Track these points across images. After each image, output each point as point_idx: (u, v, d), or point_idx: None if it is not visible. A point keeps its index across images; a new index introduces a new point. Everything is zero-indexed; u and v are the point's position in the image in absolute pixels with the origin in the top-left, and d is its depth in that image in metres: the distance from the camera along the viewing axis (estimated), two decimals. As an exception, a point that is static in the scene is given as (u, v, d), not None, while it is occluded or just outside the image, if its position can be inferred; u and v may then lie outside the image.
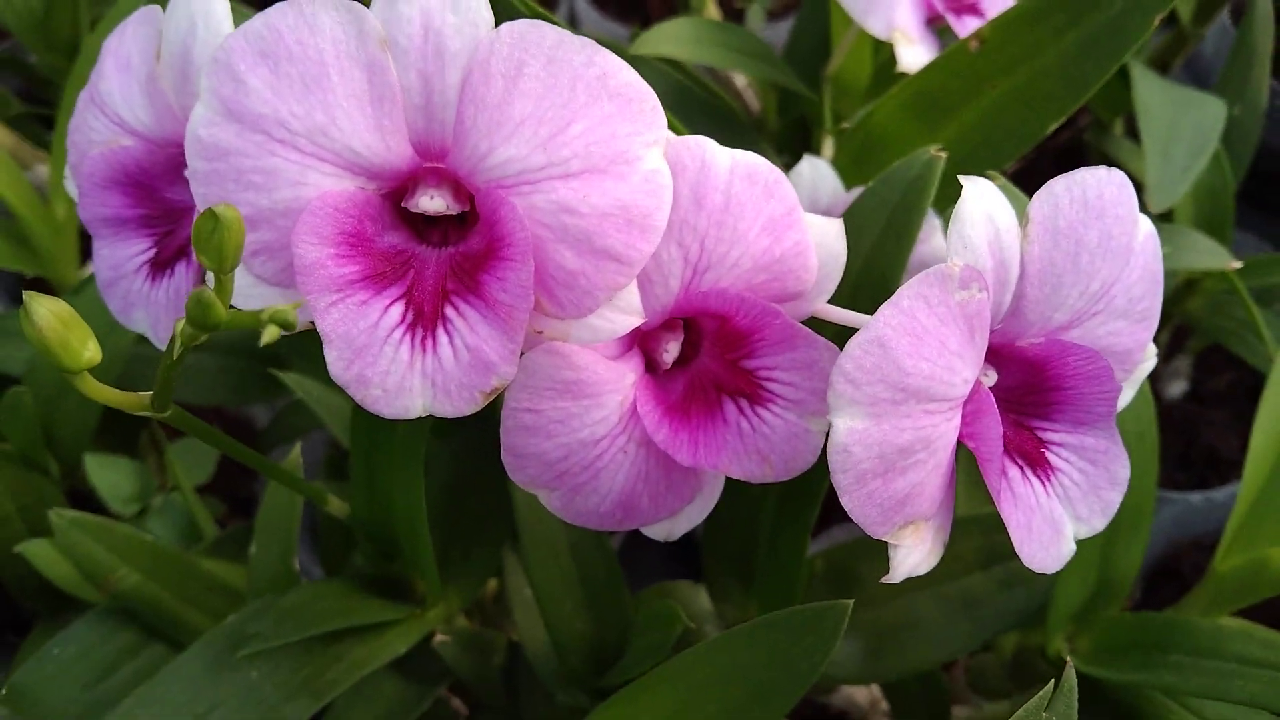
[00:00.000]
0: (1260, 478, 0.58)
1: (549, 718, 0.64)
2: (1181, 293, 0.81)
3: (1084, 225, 0.34)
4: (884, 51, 0.69)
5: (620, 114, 0.32)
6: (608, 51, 0.32)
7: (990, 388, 0.35)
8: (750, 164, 0.35)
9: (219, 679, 0.50)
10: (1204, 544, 0.87)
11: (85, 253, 0.87)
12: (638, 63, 0.68)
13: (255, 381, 0.77)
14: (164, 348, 0.42)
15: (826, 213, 0.58)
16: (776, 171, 0.36)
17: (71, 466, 0.72)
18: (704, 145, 0.35)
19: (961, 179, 0.33)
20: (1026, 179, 1.09)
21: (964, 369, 0.32)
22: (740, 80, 0.98)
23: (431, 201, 0.34)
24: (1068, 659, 0.56)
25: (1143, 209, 0.69)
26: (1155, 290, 0.37)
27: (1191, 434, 0.94)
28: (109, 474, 0.70)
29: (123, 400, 0.34)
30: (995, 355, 0.36)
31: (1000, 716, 0.65)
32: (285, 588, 0.55)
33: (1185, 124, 0.71)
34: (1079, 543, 0.53)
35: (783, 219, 0.36)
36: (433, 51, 0.32)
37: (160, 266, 0.41)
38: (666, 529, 0.41)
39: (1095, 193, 0.34)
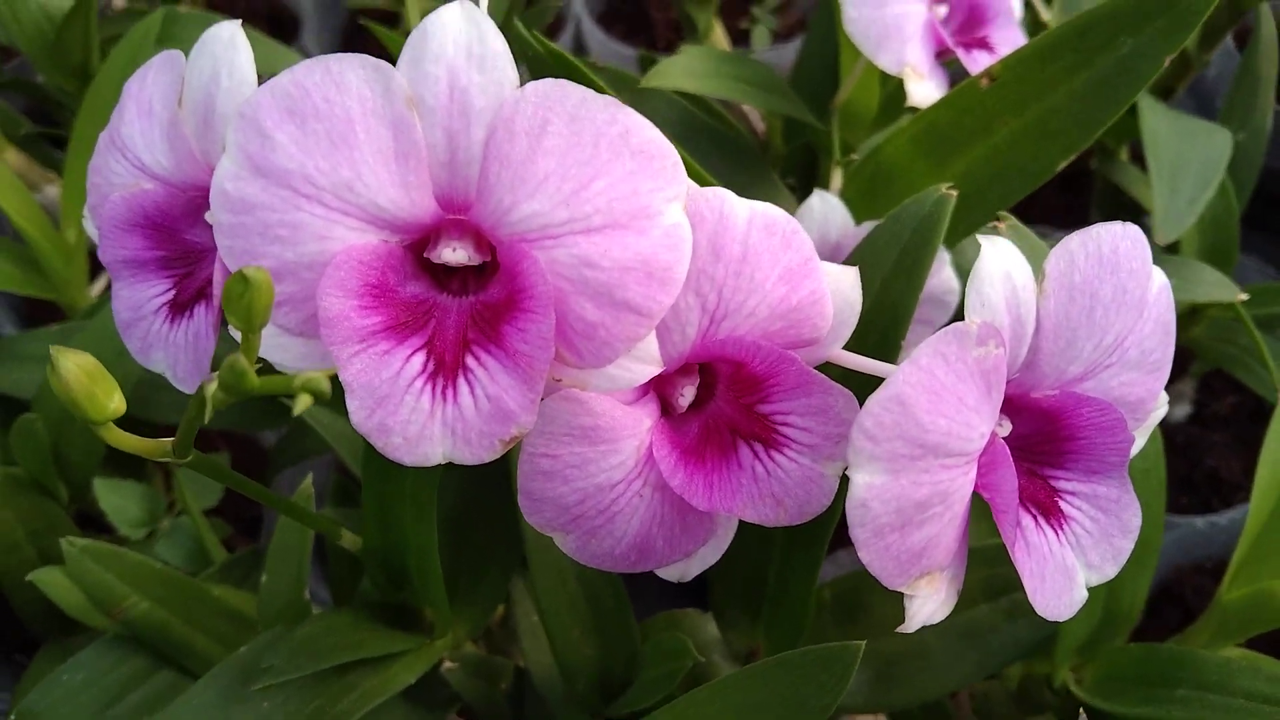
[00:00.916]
0: (1266, 509, 0.58)
1: (555, 744, 0.64)
2: (1185, 319, 0.81)
3: (1099, 280, 0.34)
4: (892, 81, 0.69)
5: (642, 170, 0.32)
6: (630, 110, 0.32)
7: (1005, 437, 0.35)
8: (768, 215, 0.36)
9: (230, 711, 0.50)
10: (1206, 568, 0.88)
11: (94, 272, 0.88)
12: (648, 92, 0.69)
13: (263, 406, 0.77)
14: (181, 386, 0.42)
15: (836, 246, 0.59)
16: (794, 222, 0.36)
17: (80, 490, 0.72)
18: (722, 197, 0.36)
19: (980, 238, 0.33)
20: (1030, 205, 1.10)
21: (980, 424, 0.32)
22: (747, 105, 0.98)
23: (454, 254, 0.34)
24: (1072, 689, 0.56)
25: (1149, 240, 0.69)
26: (1168, 341, 0.37)
27: (1195, 457, 0.94)
28: (118, 498, 0.71)
29: (146, 448, 0.34)
30: (1010, 405, 0.36)
31: (1006, 745, 0.66)
32: (297, 617, 0.55)
33: (1192, 155, 0.72)
34: (1086, 579, 0.54)
35: (799, 269, 0.36)
36: (458, 110, 0.32)
37: (179, 308, 0.42)
38: (680, 570, 0.41)
39: (1110, 248, 0.34)
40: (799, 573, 0.55)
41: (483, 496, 0.61)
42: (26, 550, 0.68)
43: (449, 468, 0.61)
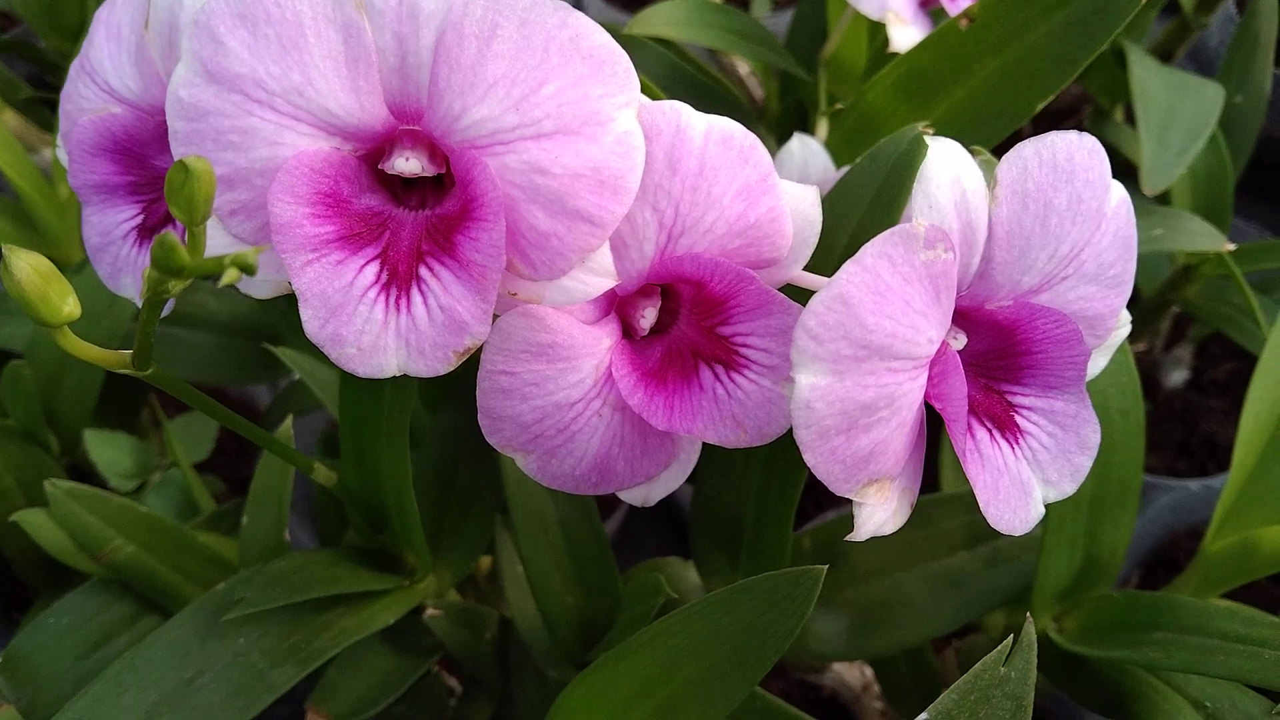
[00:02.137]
0: (1250, 460, 0.58)
1: (541, 692, 0.64)
2: (1179, 279, 0.81)
3: (1053, 188, 0.34)
4: (880, 35, 0.69)
5: (593, 75, 0.32)
6: (580, 14, 0.32)
7: (960, 351, 0.35)
8: (725, 129, 0.36)
9: (206, 644, 0.50)
10: (1202, 531, 0.87)
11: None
12: (634, 44, 0.68)
13: (255, 360, 0.78)
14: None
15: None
16: (752, 137, 0.36)
17: (72, 442, 0.72)
18: (679, 110, 0.35)
19: (928, 139, 0.33)
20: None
21: (928, 328, 0.32)
22: (744, 68, 0.98)
23: (407, 163, 0.34)
24: (1053, 637, 0.56)
25: (1137, 192, 0.69)
26: (1128, 256, 0.37)
27: (1192, 422, 0.94)
28: (108, 450, 0.71)
29: (103, 357, 0.35)
30: (964, 318, 0.36)
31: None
32: (276, 557, 0.55)
33: (1182, 108, 0.71)
34: (1063, 520, 0.54)
35: (758, 184, 0.36)
36: (407, 13, 0.32)
37: (148, 232, 0.42)
38: (643, 494, 0.41)
39: (1065, 156, 0.34)
40: (774, 518, 0.54)
41: (468, 442, 0.61)
42: (16, 499, 0.68)
43: (435, 413, 0.62)
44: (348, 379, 0.50)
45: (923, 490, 0.61)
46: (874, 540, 0.37)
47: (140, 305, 0.36)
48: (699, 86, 0.71)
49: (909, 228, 0.31)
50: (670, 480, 0.41)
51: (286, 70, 0.32)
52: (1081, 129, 1.01)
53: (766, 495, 0.54)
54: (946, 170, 0.33)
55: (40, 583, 0.72)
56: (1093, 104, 0.85)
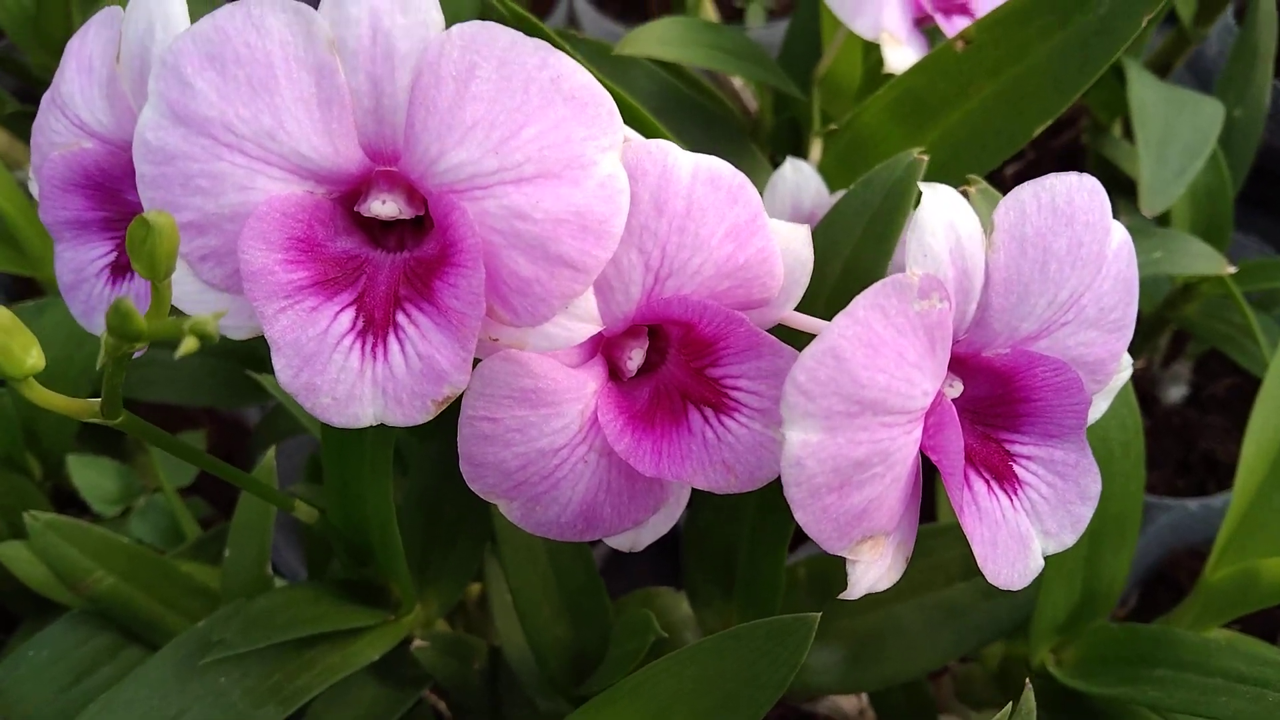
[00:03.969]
0: (1251, 488, 0.57)
1: (532, 723, 0.63)
2: (1178, 297, 0.80)
3: (1052, 233, 0.33)
4: (875, 53, 0.68)
5: (575, 118, 0.31)
6: (562, 54, 0.31)
7: (956, 399, 0.34)
8: (713, 169, 0.35)
9: (187, 684, 0.49)
10: (1201, 551, 0.86)
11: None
12: (626, 62, 0.67)
13: (243, 382, 0.76)
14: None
15: (810, 216, 0.58)
16: (740, 176, 0.35)
17: (54, 467, 0.71)
18: (665, 150, 0.34)
19: (921, 186, 0.32)
20: (1028, 177, 1.07)
21: (923, 381, 0.31)
22: (738, 81, 0.97)
23: (383, 206, 0.33)
24: (1051, 670, 0.55)
25: (1137, 212, 0.68)
26: (1129, 299, 0.36)
27: (1190, 440, 0.93)
28: (91, 475, 0.70)
29: (71, 407, 0.33)
30: (961, 365, 0.35)
31: (987, 727, 0.64)
32: (258, 591, 0.54)
33: (1181, 126, 0.70)
34: (1063, 554, 0.53)
35: (746, 225, 0.35)
36: (382, 54, 0.31)
37: (121, 270, 0.41)
38: (631, 539, 0.40)
39: (1065, 199, 0.33)
40: (768, 549, 0.53)
41: (455, 474, 0.60)
42: (-2, 526, 0.67)
43: (423, 442, 0.61)
44: (329, 414, 0.49)
45: (920, 520, 0.60)
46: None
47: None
48: (691, 105, 0.70)
49: (902, 278, 0.30)
50: (659, 525, 0.40)
51: (257, 113, 0.31)
52: (1079, 142, 1.00)
53: (760, 528, 0.53)
54: (941, 216, 0.32)
55: (26, 609, 0.71)
56: (1090, 118, 0.84)
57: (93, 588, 0.58)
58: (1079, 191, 0.33)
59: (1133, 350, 0.94)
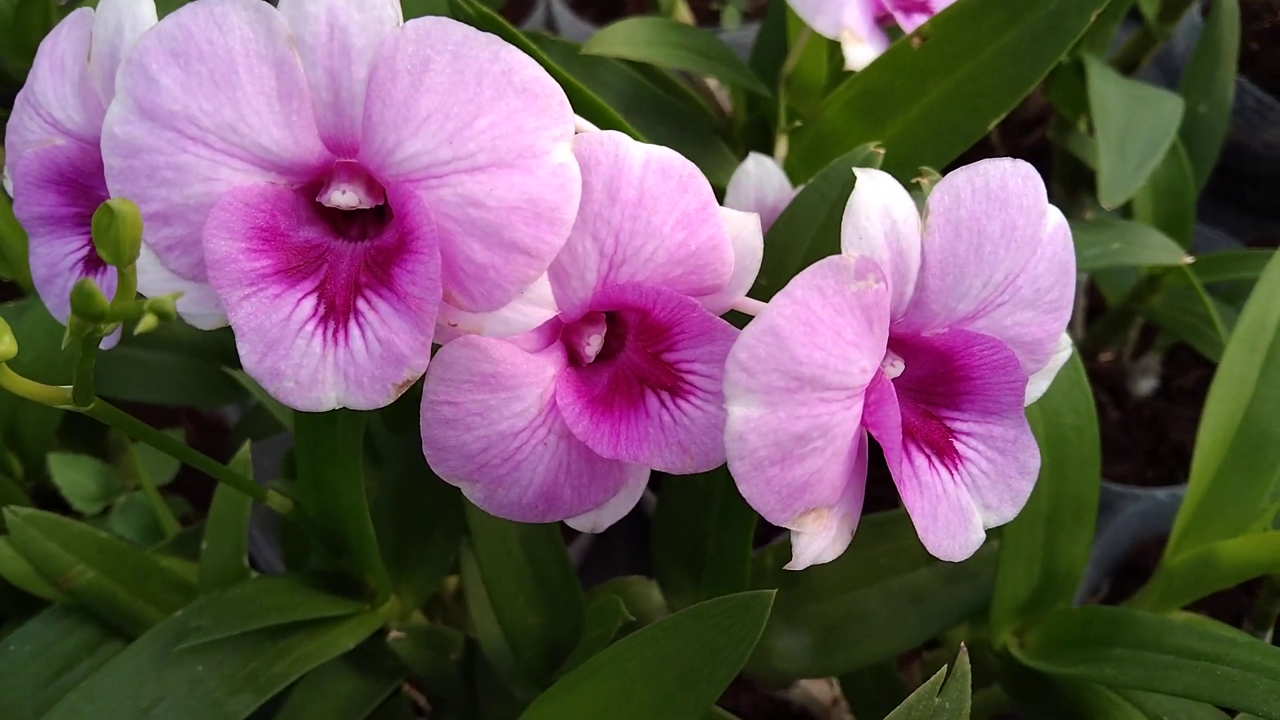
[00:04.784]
0: (1208, 472, 0.58)
1: (508, 712, 0.64)
2: (1143, 289, 0.81)
3: (986, 216, 0.34)
4: (840, 52, 0.69)
5: (526, 109, 0.32)
6: (513, 48, 0.32)
7: (898, 377, 0.35)
8: (664, 159, 0.36)
9: (164, 672, 0.50)
10: (1171, 534, 0.87)
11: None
12: (596, 62, 0.68)
13: (220, 381, 0.77)
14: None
15: (773, 209, 0.59)
16: (691, 166, 0.36)
17: (35, 465, 0.72)
18: (617, 140, 0.35)
19: (856, 171, 0.33)
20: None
21: (861, 358, 0.32)
22: (713, 81, 0.98)
23: (344, 196, 0.34)
24: (1014, 653, 0.56)
25: (1096, 205, 0.69)
26: (1065, 281, 0.37)
27: (1161, 431, 0.94)
28: (72, 473, 0.71)
29: (44, 393, 0.34)
30: (902, 345, 0.36)
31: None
32: (235, 583, 0.55)
33: (1141, 120, 0.71)
34: (1020, 536, 0.54)
35: (697, 213, 0.36)
36: (339, 49, 0.32)
37: (94, 264, 0.42)
38: (592, 521, 0.41)
39: (999, 183, 0.34)
40: (734, 536, 0.54)
41: (426, 465, 0.61)
42: (-22, 524, 0.68)
43: (396, 434, 0.62)
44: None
45: (883, 507, 0.61)
46: (836, 559, 0.37)
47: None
48: (661, 105, 0.71)
49: (839, 259, 0.31)
50: (620, 506, 0.41)
51: (219, 107, 0.32)
52: (1047, 139, 1.01)
53: (727, 515, 0.54)
54: (875, 201, 0.33)
55: (8, 607, 0.71)
56: (1057, 115, 0.85)
57: (73, 582, 0.59)
58: (1013, 176, 0.34)
59: (1102, 343, 0.96)
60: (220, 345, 0.76)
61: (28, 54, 0.89)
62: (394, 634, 0.60)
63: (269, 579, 0.54)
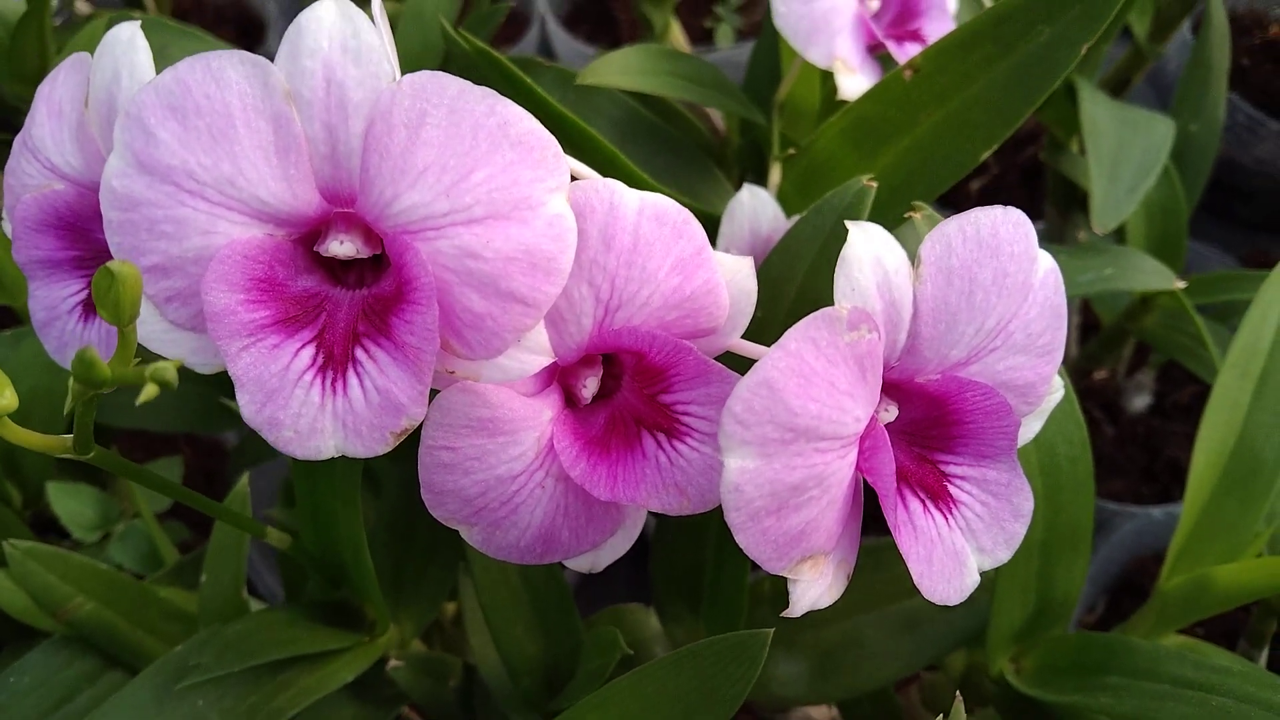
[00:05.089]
0: (1202, 497, 0.59)
1: (506, 740, 0.64)
2: (1137, 310, 0.82)
3: (978, 264, 0.34)
4: (832, 79, 0.70)
5: (522, 161, 0.33)
6: (509, 101, 0.33)
7: (892, 422, 0.36)
8: (658, 206, 0.36)
9: (165, 707, 0.50)
10: (1165, 558, 0.88)
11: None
12: (591, 89, 0.69)
13: (219, 408, 0.78)
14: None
15: (767, 240, 0.59)
16: (685, 212, 0.37)
17: (34, 494, 0.72)
18: (612, 188, 0.36)
19: (848, 224, 0.34)
20: (993, 197, 1.10)
21: (855, 408, 0.32)
22: (707, 101, 0.98)
23: (341, 246, 0.34)
24: (1010, 679, 0.56)
25: (1089, 228, 0.70)
26: (1057, 325, 0.37)
27: (1155, 448, 0.94)
28: (71, 502, 0.71)
29: (45, 444, 0.35)
30: (896, 391, 0.36)
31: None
32: (235, 616, 0.55)
33: (1133, 144, 0.72)
34: (1015, 565, 0.54)
35: (692, 258, 0.37)
36: (336, 103, 0.33)
37: (92, 307, 0.42)
38: (590, 561, 0.41)
39: (990, 231, 0.35)
40: (732, 565, 0.55)
41: (426, 494, 0.61)
42: (-22, 555, 0.68)
43: (394, 463, 0.62)
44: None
45: (880, 534, 0.61)
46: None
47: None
48: (655, 131, 0.71)
49: (832, 311, 0.32)
50: (617, 546, 0.41)
51: (217, 161, 0.33)
52: (1038, 158, 1.02)
53: (724, 547, 0.55)
54: (868, 252, 0.33)
55: (6, 633, 0.71)
56: (1050, 136, 0.86)
57: (73, 614, 0.59)
58: (1004, 224, 0.35)
59: (1096, 361, 0.96)
60: (219, 375, 0.76)
61: (23, 80, 0.89)
62: (393, 662, 0.60)
63: (268, 613, 0.55)
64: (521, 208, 0.33)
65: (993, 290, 0.35)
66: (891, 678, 0.58)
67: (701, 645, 0.41)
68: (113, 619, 0.60)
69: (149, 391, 0.26)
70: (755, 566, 0.57)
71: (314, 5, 0.33)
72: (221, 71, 0.32)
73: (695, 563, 0.58)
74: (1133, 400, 0.96)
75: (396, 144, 0.33)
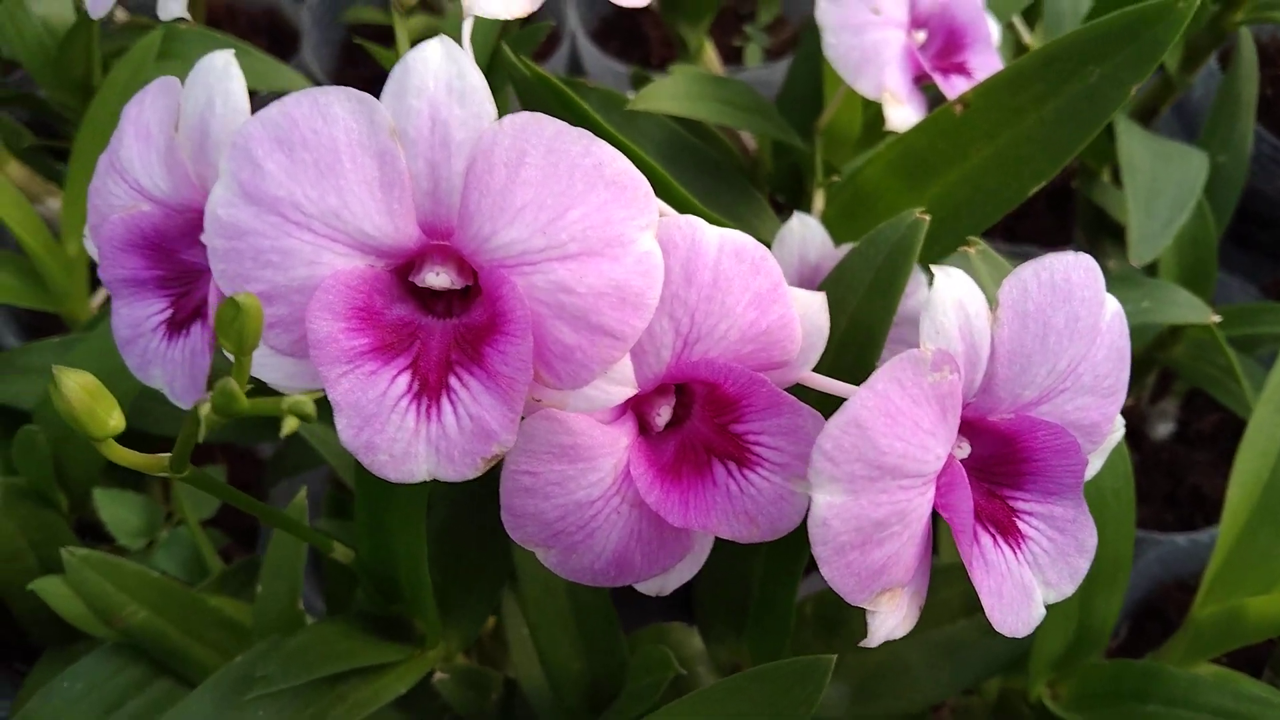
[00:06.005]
0: (1236, 529, 0.60)
1: (545, 754, 0.65)
2: (1166, 339, 0.83)
3: (1051, 308, 0.36)
4: (874, 105, 0.71)
5: (615, 200, 0.34)
6: (602, 142, 0.34)
7: (964, 459, 0.37)
8: (738, 243, 0.37)
9: (226, 718, 0.51)
10: (1189, 585, 0.89)
11: (94, 285, 0.89)
12: (637, 112, 0.70)
13: (259, 419, 0.78)
14: (178, 402, 0.44)
15: (816, 267, 0.61)
16: (762, 249, 0.38)
17: (80, 500, 0.73)
18: (695, 226, 0.37)
19: (934, 269, 0.35)
20: (1019, 223, 1.11)
21: (936, 446, 0.34)
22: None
23: (438, 278, 0.36)
24: (1048, 704, 0.58)
25: (1119, 254, 0.71)
26: (1122, 366, 0.38)
27: (1178, 475, 0.96)
28: (117, 509, 0.72)
29: (144, 463, 0.36)
30: (969, 428, 0.37)
31: (985, 757, 0.67)
32: (291, 628, 0.57)
33: (1168, 178, 0.73)
34: (1058, 593, 0.55)
35: (768, 294, 0.38)
36: (440, 142, 0.34)
37: (176, 326, 0.43)
38: (659, 584, 0.43)
39: (1063, 277, 0.36)
40: (780, 587, 0.56)
41: (474, 511, 0.62)
42: (28, 559, 0.69)
43: (440, 483, 0.63)
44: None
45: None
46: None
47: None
48: (696, 153, 0.72)
49: (917, 353, 0.33)
50: (684, 571, 0.43)
51: (324, 194, 0.34)
52: (1069, 184, 1.03)
53: (772, 570, 0.56)
54: (951, 296, 0.35)
55: (47, 638, 0.72)
56: (1082, 165, 0.87)
57: (126, 621, 0.60)
58: (1076, 269, 0.36)
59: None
60: (258, 382, 0.77)
61: (69, 88, 0.91)
62: (439, 675, 0.61)
63: (325, 625, 0.56)
64: (614, 245, 0.34)
65: (1065, 334, 0.36)
66: (931, 701, 0.59)
67: (766, 669, 0.42)
68: (164, 627, 0.61)
69: (290, 425, 0.27)
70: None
71: (421, 45, 0.34)
72: (329, 107, 0.34)
73: (741, 585, 0.59)
74: (1156, 427, 0.97)
75: (497, 182, 0.34)
